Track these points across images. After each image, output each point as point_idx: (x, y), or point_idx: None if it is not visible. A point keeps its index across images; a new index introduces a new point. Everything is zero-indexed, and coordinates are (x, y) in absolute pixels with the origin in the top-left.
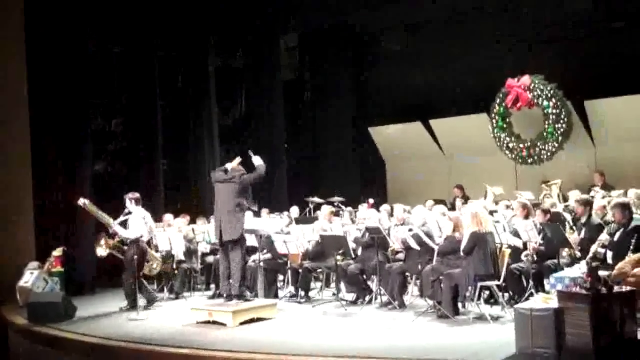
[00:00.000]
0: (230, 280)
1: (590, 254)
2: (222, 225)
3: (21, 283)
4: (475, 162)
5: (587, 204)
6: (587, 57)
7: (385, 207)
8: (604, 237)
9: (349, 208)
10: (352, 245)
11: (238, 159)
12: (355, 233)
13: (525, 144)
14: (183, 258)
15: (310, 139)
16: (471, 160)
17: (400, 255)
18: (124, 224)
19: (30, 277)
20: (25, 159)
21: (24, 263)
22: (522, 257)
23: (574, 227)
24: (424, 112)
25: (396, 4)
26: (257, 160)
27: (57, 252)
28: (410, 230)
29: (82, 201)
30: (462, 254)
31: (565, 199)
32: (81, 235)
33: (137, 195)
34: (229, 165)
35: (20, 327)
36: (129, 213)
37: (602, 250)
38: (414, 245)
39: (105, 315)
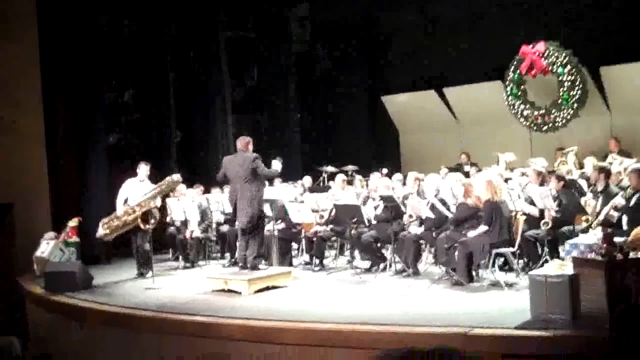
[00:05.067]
0: (247, 252)
1: (602, 217)
2: (238, 212)
3: (38, 253)
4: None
5: (604, 171)
6: (602, 23)
7: (397, 177)
8: (618, 200)
9: (360, 176)
10: (366, 214)
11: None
12: (370, 204)
13: (540, 112)
14: (198, 227)
15: (323, 108)
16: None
17: (416, 224)
18: None
19: (46, 247)
20: (39, 132)
21: (41, 234)
22: (541, 225)
23: (588, 194)
24: (438, 81)
25: None
26: (276, 165)
27: (73, 222)
28: (425, 198)
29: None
30: (485, 226)
31: (582, 166)
32: (96, 205)
33: None
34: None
35: (37, 296)
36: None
37: (615, 214)
38: (429, 214)
39: (121, 285)
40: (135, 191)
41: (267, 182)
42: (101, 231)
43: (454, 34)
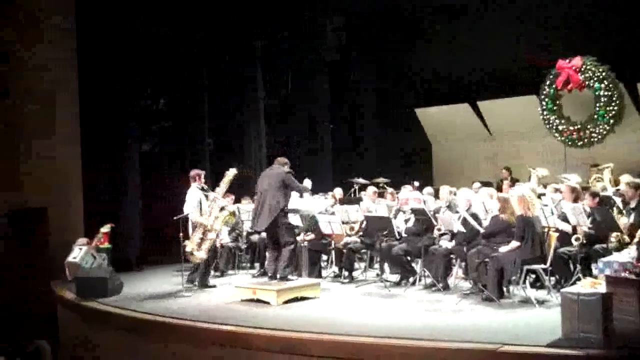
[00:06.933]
0: (278, 263)
1: (637, 239)
2: (256, 217)
3: (70, 259)
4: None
5: (638, 187)
6: None
7: (428, 190)
8: None
9: (391, 189)
10: (397, 227)
11: None
12: (401, 217)
13: (575, 127)
14: (228, 236)
15: (355, 119)
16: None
17: (447, 238)
18: None
19: (78, 253)
20: (75, 139)
21: (73, 240)
22: (573, 240)
23: (623, 211)
24: (472, 94)
25: None
26: (307, 183)
27: (105, 228)
28: (457, 212)
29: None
30: (517, 242)
31: (617, 183)
32: (129, 212)
33: (191, 173)
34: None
35: (68, 301)
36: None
37: None
38: (460, 228)
39: (152, 292)
40: (203, 197)
41: (297, 194)
42: (200, 254)
43: (488, 47)
